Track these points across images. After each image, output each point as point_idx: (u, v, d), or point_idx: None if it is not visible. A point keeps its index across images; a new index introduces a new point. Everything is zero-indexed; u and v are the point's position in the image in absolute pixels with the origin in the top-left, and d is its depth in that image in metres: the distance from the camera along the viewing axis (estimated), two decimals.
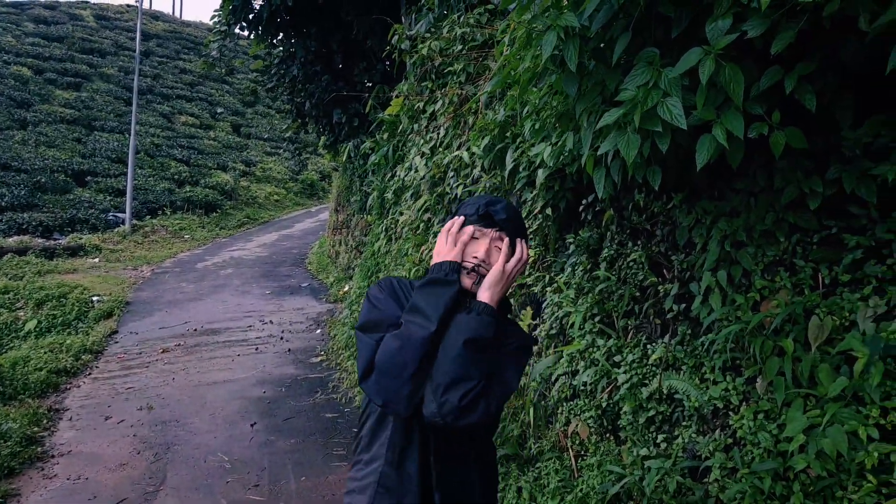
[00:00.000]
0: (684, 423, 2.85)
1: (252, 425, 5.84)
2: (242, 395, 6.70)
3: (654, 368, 3.05)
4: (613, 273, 3.46)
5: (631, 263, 3.33)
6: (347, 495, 1.87)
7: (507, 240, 1.82)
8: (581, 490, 3.14)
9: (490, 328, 1.68)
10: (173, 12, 74.85)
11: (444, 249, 1.82)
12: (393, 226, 7.11)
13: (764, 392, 2.53)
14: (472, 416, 1.62)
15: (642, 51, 2.23)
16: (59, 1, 40.64)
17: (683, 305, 2.99)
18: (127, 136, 21.43)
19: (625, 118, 2.23)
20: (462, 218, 1.86)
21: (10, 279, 12.04)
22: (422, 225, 5.84)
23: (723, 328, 2.68)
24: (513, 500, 3.46)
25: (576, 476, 3.33)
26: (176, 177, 23.30)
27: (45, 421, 6.00)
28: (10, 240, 15.29)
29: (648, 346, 3.15)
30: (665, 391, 2.93)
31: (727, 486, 2.51)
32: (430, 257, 5.28)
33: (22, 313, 10.52)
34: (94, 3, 42.72)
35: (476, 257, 1.78)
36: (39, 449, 5.38)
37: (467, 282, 1.77)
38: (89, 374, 7.69)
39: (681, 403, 2.88)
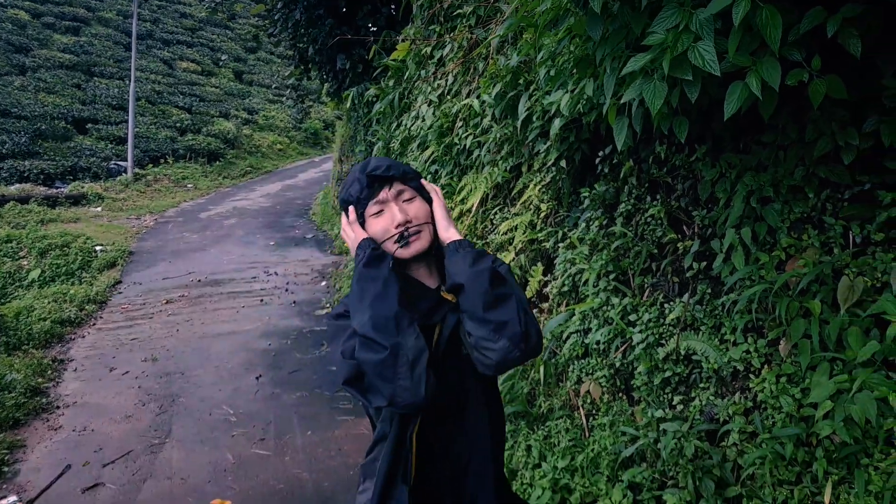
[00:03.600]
0: (702, 385, 2.76)
1: (257, 378, 5.81)
2: (247, 347, 6.66)
3: (671, 328, 2.95)
4: (630, 229, 3.33)
5: (649, 219, 3.20)
6: None
7: (405, 187, 1.64)
8: (592, 450, 3.08)
9: (487, 254, 1.57)
10: None
11: (351, 237, 1.64)
12: None
13: (787, 355, 2.44)
14: (532, 336, 1.51)
15: None
16: None
17: (704, 264, 2.87)
18: (127, 82, 21.05)
19: (652, 64, 2.07)
20: (352, 210, 1.67)
21: (12, 228, 11.95)
22: (429, 177, 5.68)
23: (746, 288, 2.56)
24: (522, 458, 3.41)
25: (587, 436, 3.27)
26: (178, 125, 22.96)
27: (49, 372, 5.99)
28: (12, 188, 15.16)
29: (666, 306, 3.04)
30: (682, 352, 2.83)
31: (746, 451, 2.43)
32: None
33: (25, 262, 10.46)
34: None
35: (399, 224, 1.58)
36: (44, 400, 5.36)
37: (406, 252, 1.60)
38: (93, 324, 7.66)
39: (699, 365, 2.79)
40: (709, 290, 2.84)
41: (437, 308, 1.61)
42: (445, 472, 1.64)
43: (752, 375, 2.54)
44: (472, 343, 1.52)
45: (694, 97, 2.01)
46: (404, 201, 1.62)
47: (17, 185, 15.46)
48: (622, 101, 2.29)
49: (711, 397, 2.69)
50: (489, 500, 1.67)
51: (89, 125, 20.90)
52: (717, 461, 2.52)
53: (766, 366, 2.51)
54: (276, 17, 11.86)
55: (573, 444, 3.24)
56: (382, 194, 1.60)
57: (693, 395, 2.80)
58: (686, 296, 2.96)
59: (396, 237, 1.58)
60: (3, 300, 8.93)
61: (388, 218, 1.60)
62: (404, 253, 1.60)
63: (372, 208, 1.61)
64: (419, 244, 1.60)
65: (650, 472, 2.78)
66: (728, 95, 1.94)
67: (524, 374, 3.84)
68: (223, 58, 32.84)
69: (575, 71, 3.07)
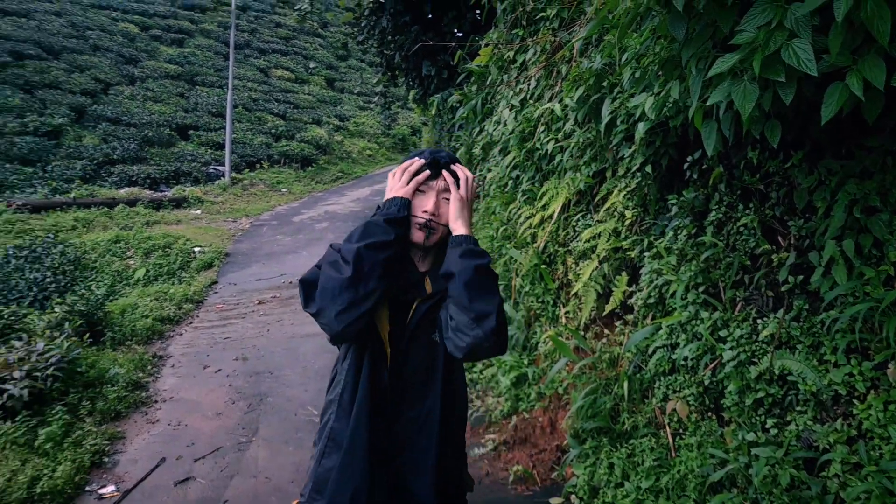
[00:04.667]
0: (798, 409, 2.56)
1: None
2: (333, 348, 6.75)
3: (764, 346, 2.76)
4: (721, 239, 3.14)
5: (741, 228, 3.01)
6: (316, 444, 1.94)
7: (453, 184, 1.83)
8: (678, 472, 2.92)
9: (485, 253, 1.73)
10: None
11: (396, 186, 1.82)
12: (480, 183, 6.90)
13: None
14: (503, 334, 1.67)
15: None
16: None
17: (801, 277, 2.66)
18: (226, 90, 22.06)
19: (741, 65, 1.93)
20: (421, 161, 1.84)
21: (121, 229, 12.73)
22: (510, 182, 5.60)
23: (848, 305, 2.36)
24: (604, 476, 3.28)
25: (673, 456, 3.11)
26: (273, 131, 23.82)
27: (149, 367, 6.29)
28: (122, 191, 16.17)
29: (759, 321, 2.85)
30: (777, 371, 2.64)
31: (850, 484, 2.23)
32: (519, 217, 5.08)
33: (132, 262, 11.12)
34: None
35: (426, 211, 1.79)
36: (144, 394, 5.64)
37: (419, 235, 1.80)
38: (190, 322, 8.02)
39: (795, 386, 2.59)
40: (806, 306, 2.64)
41: (415, 289, 1.83)
42: (394, 436, 1.82)
43: (855, 401, 2.33)
44: (452, 326, 1.68)
45: (788, 100, 1.86)
46: (444, 198, 1.83)
47: (126, 189, 16.47)
48: (709, 104, 2.15)
49: (809, 422, 2.48)
50: (423, 484, 1.81)
51: (191, 131, 22.04)
52: (817, 493, 2.32)
53: (872, 391, 2.30)
54: (363, 25, 12.09)
55: (658, 463, 3.09)
56: (434, 181, 1.83)
57: (789, 418, 2.60)
58: (781, 311, 2.75)
59: (421, 222, 1.80)
60: (111, 297, 9.51)
61: (424, 200, 1.81)
62: (415, 237, 1.81)
63: (425, 174, 1.82)
64: (422, 239, 1.81)
65: (740, 499, 2.60)
66: (826, 98, 1.78)
67: (607, 389, 3.70)
68: (312, 65, 33.79)
69: (660, 73, 2.93)
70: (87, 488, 4.17)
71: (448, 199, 1.82)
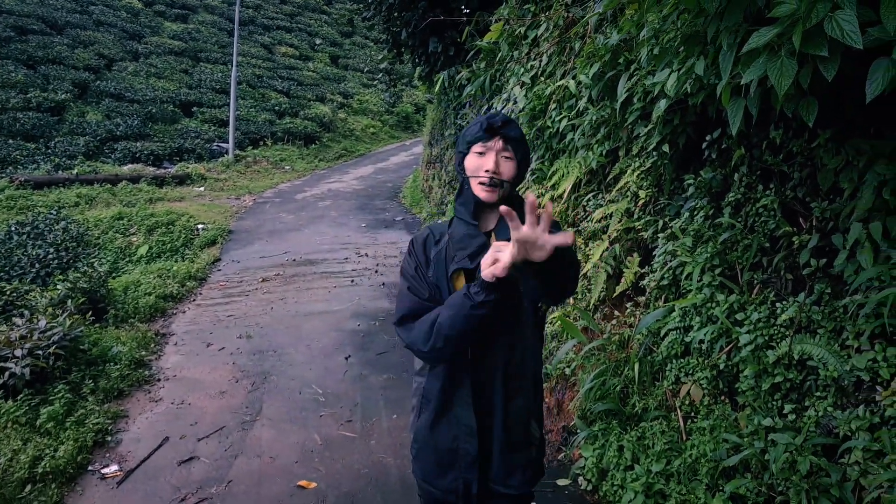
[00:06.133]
0: (818, 395, 2.51)
1: (346, 358, 5.87)
2: (338, 327, 6.74)
3: (783, 330, 2.71)
4: (739, 220, 3.08)
5: (760, 210, 2.94)
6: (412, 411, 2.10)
7: (509, 147, 1.86)
8: (690, 455, 2.89)
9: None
10: None
11: (500, 264, 1.57)
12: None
13: None
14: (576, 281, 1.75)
15: None
16: None
17: (823, 261, 2.61)
18: (230, 67, 21.85)
19: (779, 39, 1.86)
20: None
21: (124, 206, 12.66)
22: None
23: (874, 290, 2.30)
24: (613, 458, 3.25)
25: (684, 440, 3.07)
26: (276, 108, 23.63)
27: (152, 345, 6.25)
28: (125, 168, 16.07)
29: (778, 305, 2.79)
30: (796, 356, 2.59)
31: (871, 472, 2.18)
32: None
33: (135, 239, 11.06)
34: None
35: (488, 171, 1.83)
36: (147, 372, 5.60)
37: (484, 194, 1.84)
38: (194, 300, 7.97)
39: (815, 372, 2.54)
40: (828, 290, 2.58)
41: (484, 251, 1.76)
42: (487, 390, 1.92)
43: (879, 387, 2.28)
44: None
45: (831, 75, 1.78)
46: (504, 157, 1.86)
47: (130, 166, 16.35)
48: (743, 82, 2.07)
49: (829, 408, 2.44)
50: (528, 404, 1.95)
51: (195, 108, 21.85)
52: (836, 480, 2.28)
53: None
54: (370, 1, 11.91)
55: (669, 447, 3.05)
56: (491, 142, 1.86)
57: (807, 404, 2.55)
58: (801, 295, 2.70)
59: (484, 180, 1.84)
60: (114, 275, 9.46)
61: (484, 160, 1.85)
62: (481, 195, 1.85)
63: (478, 147, 1.87)
64: (491, 196, 1.84)
65: (755, 485, 2.57)
66: (871, 74, 1.71)
67: (617, 371, 3.65)
68: (318, 42, 33.48)
69: (682, 49, 2.84)
70: (90, 468, 4.13)
71: (507, 158, 1.86)
